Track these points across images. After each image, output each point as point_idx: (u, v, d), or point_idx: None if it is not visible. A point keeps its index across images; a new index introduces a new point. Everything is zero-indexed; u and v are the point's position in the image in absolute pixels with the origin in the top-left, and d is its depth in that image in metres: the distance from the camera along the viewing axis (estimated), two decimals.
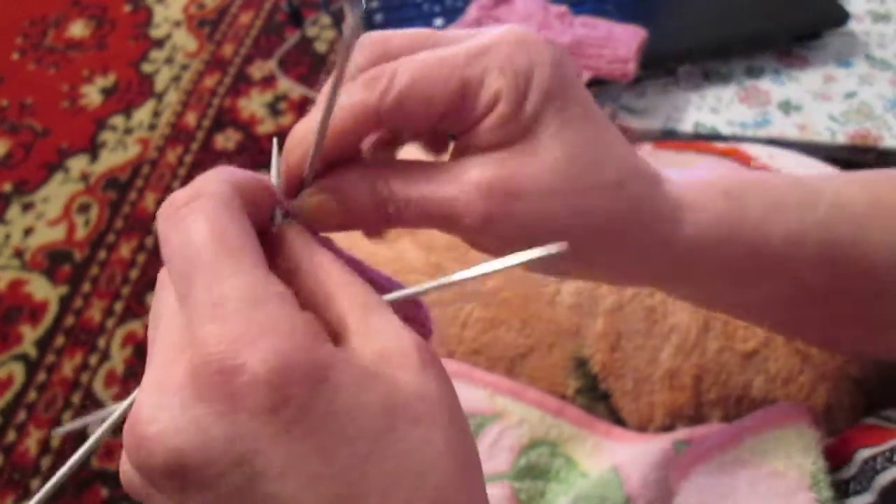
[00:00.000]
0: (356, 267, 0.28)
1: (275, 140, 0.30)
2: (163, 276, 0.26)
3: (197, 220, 0.23)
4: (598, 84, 0.64)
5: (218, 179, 0.25)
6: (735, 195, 0.32)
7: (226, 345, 0.21)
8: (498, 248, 0.29)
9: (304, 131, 0.28)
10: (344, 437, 0.21)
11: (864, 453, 0.34)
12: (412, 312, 0.29)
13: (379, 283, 0.28)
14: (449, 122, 0.28)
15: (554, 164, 0.28)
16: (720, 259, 0.31)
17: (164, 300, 0.25)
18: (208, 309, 0.22)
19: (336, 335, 0.24)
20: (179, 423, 0.21)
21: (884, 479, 0.32)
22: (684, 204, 0.31)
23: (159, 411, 0.21)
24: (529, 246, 0.27)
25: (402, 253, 0.51)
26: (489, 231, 0.28)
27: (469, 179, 0.28)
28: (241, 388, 0.20)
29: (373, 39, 0.28)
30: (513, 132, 0.28)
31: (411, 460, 0.22)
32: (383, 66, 0.27)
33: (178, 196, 0.24)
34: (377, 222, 0.29)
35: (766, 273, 0.33)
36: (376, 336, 0.23)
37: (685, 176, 0.32)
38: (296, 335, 0.21)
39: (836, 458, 0.35)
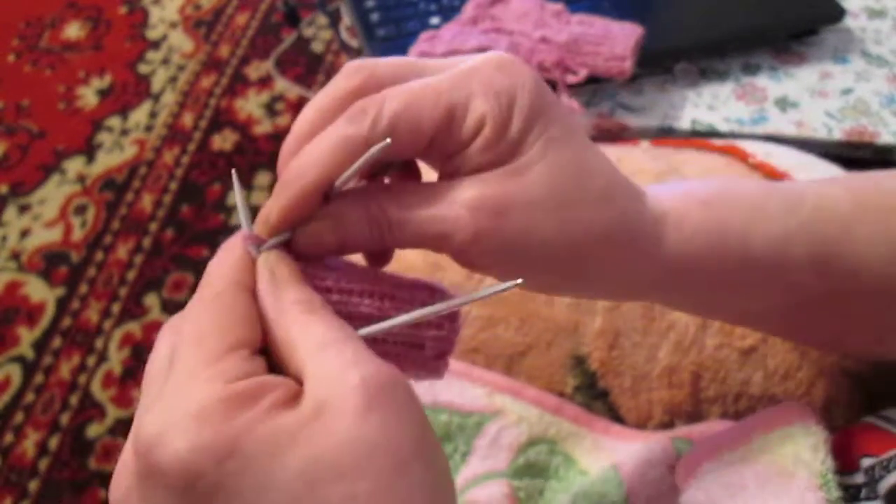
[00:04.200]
0: (367, 279, 0.29)
1: (234, 172, 0.31)
2: (163, 330, 0.27)
3: (190, 310, 0.26)
4: (594, 82, 0.64)
5: (218, 274, 0.27)
6: (714, 204, 0.32)
7: (153, 428, 0.23)
8: (487, 266, 0.30)
9: (299, 171, 0.28)
10: None
11: (867, 462, 0.34)
12: (426, 298, 0.30)
13: (405, 287, 0.29)
14: (437, 148, 0.29)
15: (540, 180, 0.29)
16: (708, 268, 0.32)
17: (151, 365, 0.27)
18: (163, 391, 0.24)
19: (299, 381, 0.24)
20: (131, 494, 0.24)
21: (884, 486, 0.32)
22: (666, 216, 0.31)
23: (120, 476, 0.24)
24: (516, 262, 0.29)
25: (402, 253, 0.51)
26: (479, 247, 0.29)
27: (459, 199, 0.28)
28: (160, 471, 0.22)
29: (358, 67, 0.29)
30: (499, 153, 0.28)
31: None
32: (371, 98, 0.28)
33: (201, 290, 0.27)
34: (372, 244, 0.29)
35: (758, 280, 0.33)
36: (322, 380, 0.23)
37: (666, 189, 0.33)
38: (206, 416, 0.22)
39: (842, 460, 0.35)
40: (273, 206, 0.28)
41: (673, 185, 0.34)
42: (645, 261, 0.31)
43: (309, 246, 0.28)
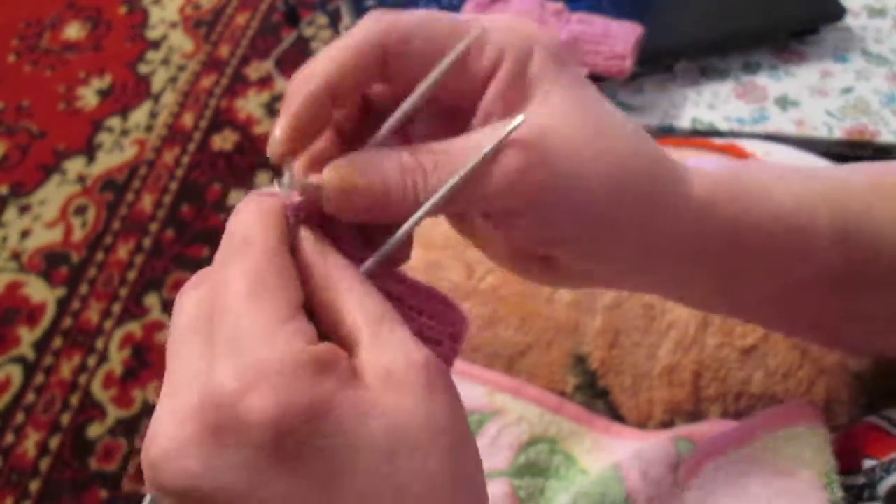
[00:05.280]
0: (391, 278, 0.28)
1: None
2: (186, 291, 0.26)
3: (237, 265, 0.24)
4: (594, 81, 0.64)
5: (265, 228, 0.25)
6: (736, 166, 0.32)
7: (235, 383, 0.22)
8: (518, 212, 0.27)
9: (306, 77, 0.26)
10: (343, 472, 0.22)
11: (869, 463, 0.34)
12: (440, 311, 0.29)
13: (421, 292, 0.28)
14: (454, 86, 0.27)
15: (573, 112, 0.27)
16: (734, 231, 0.30)
17: (185, 321, 0.25)
18: (226, 345, 0.23)
19: (349, 347, 0.24)
20: (190, 450, 0.22)
21: (883, 487, 0.32)
22: (688, 171, 0.30)
23: (173, 436, 0.22)
24: (553, 203, 0.27)
25: None
26: (522, 185, 0.26)
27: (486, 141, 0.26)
28: (245, 425, 0.21)
29: (378, 18, 0.27)
30: (521, 92, 0.27)
31: (408, 492, 0.22)
32: (385, 10, 0.27)
33: (235, 238, 0.25)
34: (406, 196, 0.26)
35: (784, 246, 0.31)
36: (385, 353, 0.24)
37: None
38: (298, 374, 0.22)
39: (845, 461, 0.35)
40: (279, 120, 0.26)
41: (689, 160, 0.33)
42: (673, 213, 0.29)
43: (338, 195, 0.26)
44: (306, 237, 0.26)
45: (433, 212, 0.27)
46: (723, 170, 0.31)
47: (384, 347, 0.24)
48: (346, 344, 0.24)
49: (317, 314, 0.25)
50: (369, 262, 0.27)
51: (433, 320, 0.28)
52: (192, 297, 0.25)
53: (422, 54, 0.27)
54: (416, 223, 0.27)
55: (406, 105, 0.27)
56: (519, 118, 0.26)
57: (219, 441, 0.22)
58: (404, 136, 0.30)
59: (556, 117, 0.27)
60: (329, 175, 0.26)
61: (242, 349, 0.23)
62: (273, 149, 0.27)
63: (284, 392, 0.22)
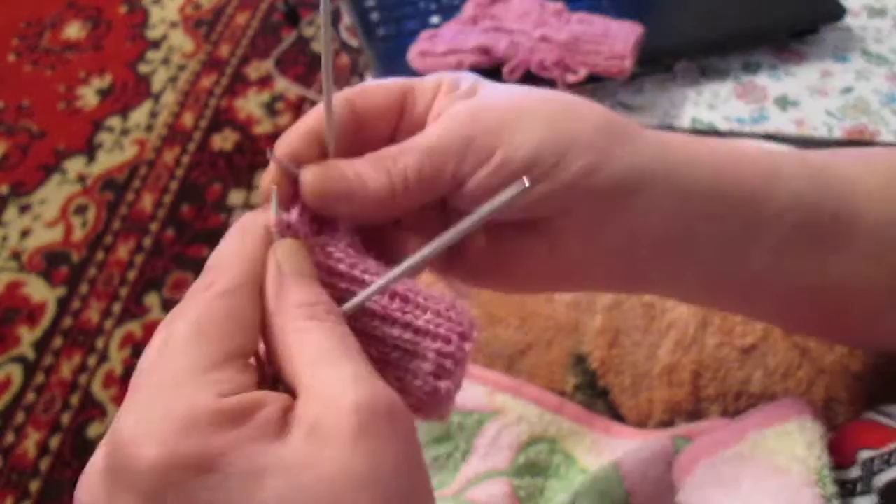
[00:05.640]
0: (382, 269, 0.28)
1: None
2: (162, 325, 0.26)
3: (189, 307, 0.25)
4: (594, 81, 0.64)
5: (230, 266, 0.26)
6: (722, 146, 0.33)
7: (132, 429, 0.22)
8: (498, 181, 0.29)
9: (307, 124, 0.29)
10: None
11: (865, 455, 0.34)
12: (446, 309, 0.28)
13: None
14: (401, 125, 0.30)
15: (500, 93, 0.31)
16: (721, 189, 0.31)
17: (142, 361, 0.25)
18: (145, 390, 0.23)
19: (293, 394, 0.23)
20: (96, 483, 0.23)
21: (881, 480, 0.32)
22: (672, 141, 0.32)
23: (91, 463, 0.23)
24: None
25: None
26: (500, 152, 0.29)
27: (457, 111, 0.30)
28: (132, 471, 0.22)
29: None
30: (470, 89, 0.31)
31: None
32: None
33: (206, 275, 0.26)
34: (386, 197, 0.28)
35: (775, 209, 0.32)
36: (315, 399, 0.23)
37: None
38: (192, 425, 0.22)
39: (839, 455, 0.35)
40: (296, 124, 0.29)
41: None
42: (676, 193, 0.31)
43: (319, 193, 0.28)
44: (270, 266, 0.26)
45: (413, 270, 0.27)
46: (717, 145, 0.33)
47: (315, 394, 0.23)
48: (291, 391, 0.24)
49: (269, 353, 0.25)
50: (373, 287, 0.27)
51: (440, 318, 0.28)
52: (160, 332, 0.25)
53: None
54: (416, 264, 0.27)
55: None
56: (524, 181, 0.26)
57: (114, 482, 0.22)
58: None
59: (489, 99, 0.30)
60: (314, 173, 0.28)
61: (154, 396, 0.23)
62: (279, 147, 0.29)
63: (173, 444, 0.21)
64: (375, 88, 0.30)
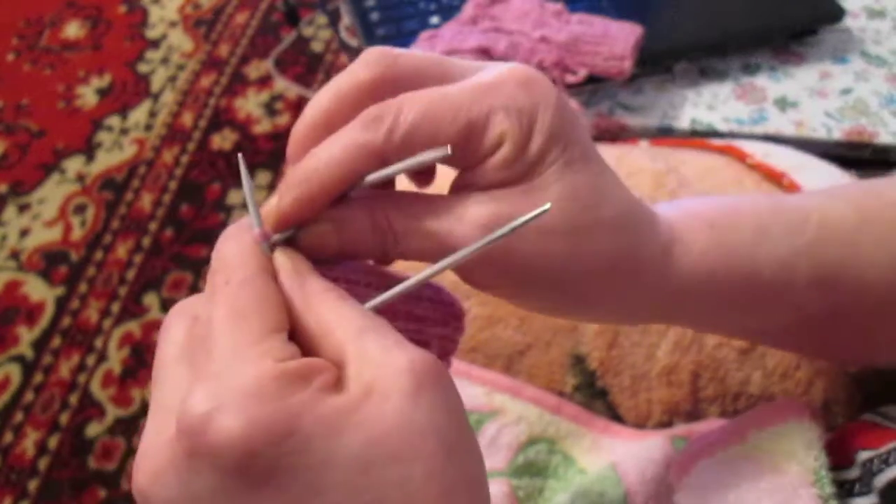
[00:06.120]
0: (371, 273, 0.29)
1: (240, 156, 0.30)
2: (172, 318, 0.27)
3: (219, 295, 0.25)
4: (594, 81, 0.64)
5: (241, 262, 0.26)
6: (721, 226, 0.32)
7: (204, 407, 0.22)
8: (489, 286, 0.30)
9: (307, 173, 0.27)
10: (315, 490, 0.22)
11: (864, 455, 0.34)
12: (436, 293, 0.29)
13: (397, 282, 0.28)
14: (452, 161, 0.28)
15: (556, 204, 0.28)
16: (714, 291, 0.32)
17: (169, 348, 0.26)
18: (201, 371, 0.24)
19: (338, 365, 0.24)
20: (169, 477, 0.23)
21: (881, 480, 0.32)
22: (674, 244, 0.31)
23: (153, 462, 0.23)
24: (521, 284, 0.29)
25: None
26: (484, 268, 0.29)
27: (469, 216, 0.28)
28: (215, 449, 0.22)
29: (379, 56, 0.28)
30: (516, 172, 0.28)
31: (387, 502, 0.22)
32: (387, 104, 0.27)
33: (216, 272, 0.26)
34: (376, 253, 0.29)
35: (762, 301, 0.33)
36: (367, 363, 0.23)
37: (673, 208, 0.33)
38: (264, 392, 0.22)
39: (837, 456, 0.35)
40: (279, 205, 0.27)
41: (681, 203, 0.34)
42: (650, 289, 0.31)
43: (311, 248, 0.28)
44: (282, 264, 0.27)
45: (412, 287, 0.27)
46: (709, 236, 0.32)
47: (367, 359, 0.23)
48: (336, 363, 0.24)
49: (304, 338, 0.25)
50: (375, 302, 0.27)
51: (433, 303, 0.29)
52: (177, 324, 0.26)
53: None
54: (418, 283, 0.27)
55: (399, 167, 0.27)
56: (546, 206, 0.26)
57: (193, 466, 0.22)
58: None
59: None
60: (304, 235, 0.28)
61: (214, 373, 0.23)
62: (268, 225, 0.28)
63: (250, 411, 0.22)
64: (440, 121, 0.28)
